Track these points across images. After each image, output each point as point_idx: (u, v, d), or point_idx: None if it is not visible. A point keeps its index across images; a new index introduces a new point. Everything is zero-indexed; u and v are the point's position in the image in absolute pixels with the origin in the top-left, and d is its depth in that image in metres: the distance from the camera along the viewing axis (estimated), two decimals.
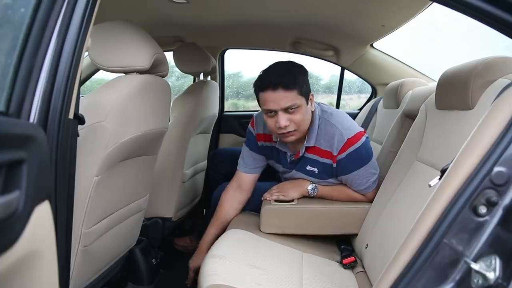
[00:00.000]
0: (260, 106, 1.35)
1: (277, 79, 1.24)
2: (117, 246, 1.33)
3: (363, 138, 1.35)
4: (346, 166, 1.35)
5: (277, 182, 1.59)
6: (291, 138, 1.32)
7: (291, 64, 1.33)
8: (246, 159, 1.54)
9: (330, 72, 2.65)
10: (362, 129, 1.39)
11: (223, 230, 1.45)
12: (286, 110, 1.26)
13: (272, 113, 1.28)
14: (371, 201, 1.38)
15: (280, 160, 1.49)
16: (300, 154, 1.40)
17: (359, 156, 1.33)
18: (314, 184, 1.44)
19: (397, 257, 0.71)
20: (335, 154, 1.34)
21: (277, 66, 1.31)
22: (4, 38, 0.61)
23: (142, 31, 1.18)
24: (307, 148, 1.38)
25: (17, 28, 0.60)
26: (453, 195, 0.67)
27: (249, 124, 1.56)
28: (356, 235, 1.37)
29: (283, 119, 1.26)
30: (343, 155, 1.33)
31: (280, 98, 1.24)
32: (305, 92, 1.29)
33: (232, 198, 1.54)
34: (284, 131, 1.28)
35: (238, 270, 1.08)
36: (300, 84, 1.26)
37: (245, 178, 1.54)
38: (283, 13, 1.85)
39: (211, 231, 1.52)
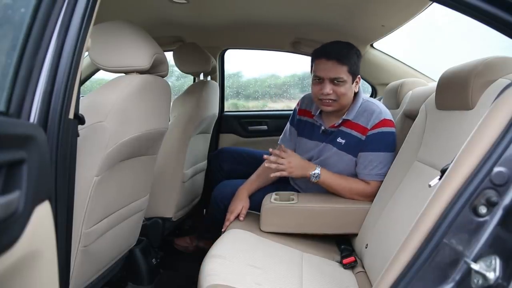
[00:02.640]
0: (311, 73, 1.49)
1: (333, 51, 1.41)
2: (117, 246, 1.33)
3: (394, 132, 1.43)
4: (372, 143, 1.42)
5: (279, 185, 1.61)
6: (329, 108, 1.45)
7: (349, 44, 1.46)
8: (287, 134, 1.68)
9: None
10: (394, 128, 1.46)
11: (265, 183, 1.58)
12: (332, 80, 1.40)
13: (320, 80, 1.42)
14: (370, 196, 1.39)
15: (312, 134, 1.57)
16: (336, 124, 1.48)
17: (386, 140, 1.41)
18: (318, 171, 1.42)
19: (397, 257, 0.71)
20: (368, 128, 1.43)
21: (338, 42, 1.46)
22: (4, 38, 0.61)
23: (142, 31, 1.18)
24: (344, 121, 1.47)
25: (17, 28, 0.60)
26: (453, 195, 0.67)
27: (296, 104, 1.70)
28: (356, 235, 1.37)
29: (327, 87, 1.40)
30: (375, 131, 1.42)
31: (331, 68, 1.40)
32: (354, 72, 1.43)
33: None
34: (325, 98, 1.42)
35: (238, 270, 1.08)
36: (351, 62, 1.41)
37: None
38: (283, 13, 1.85)
39: (253, 179, 1.62)
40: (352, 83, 1.44)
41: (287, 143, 1.64)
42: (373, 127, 1.42)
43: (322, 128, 1.53)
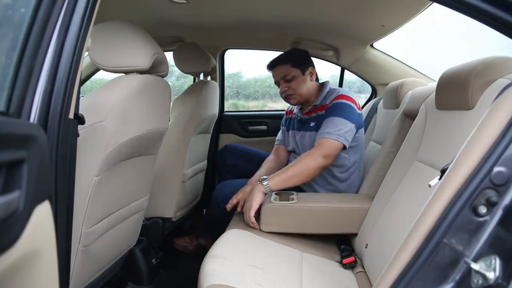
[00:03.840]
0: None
1: (272, 61, 1.73)
2: (117, 246, 1.33)
3: (353, 106, 1.57)
4: (328, 112, 1.58)
5: None
6: (293, 101, 1.72)
7: (289, 50, 1.79)
8: (280, 134, 1.93)
9: (330, 72, 2.65)
10: (358, 104, 1.62)
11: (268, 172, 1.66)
12: (284, 80, 1.69)
13: (278, 84, 1.74)
14: (325, 156, 1.44)
15: (294, 126, 1.81)
16: (308, 111, 1.72)
17: (343, 108, 1.55)
18: (266, 182, 1.43)
19: (397, 257, 0.71)
20: (327, 103, 1.62)
21: (280, 54, 1.76)
22: (4, 38, 0.61)
23: (142, 31, 1.18)
24: (314, 107, 1.69)
25: (17, 28, 0.60)
26: (453, 195, 0.67)
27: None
28: (356, 235, 1.37)
29: (282, 86, 1.70)
30: (332, 104, 1.59)
31: (276, 72, 1.72)
32: (299, 64, 1.68)
33: (272, 159, 1.85)
34: (285, 94, 1.70)
35: (238, 270, 1.08)
36: (292, 58, 1.69)
37: (279, 149, 1.89)
38: (283, 13, 1.85)
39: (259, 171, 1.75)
40: (303, 75, 1.68)
41: (281, 141, 1.90)
42: (331, 101, 1.60)
43: (298, 117, 1.77)
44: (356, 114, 1.57)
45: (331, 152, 1.47)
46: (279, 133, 1.94)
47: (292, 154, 1.83)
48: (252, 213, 1.39)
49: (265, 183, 1.43)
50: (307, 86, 1.69)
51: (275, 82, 1.76)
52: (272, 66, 1.73)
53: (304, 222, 1.40)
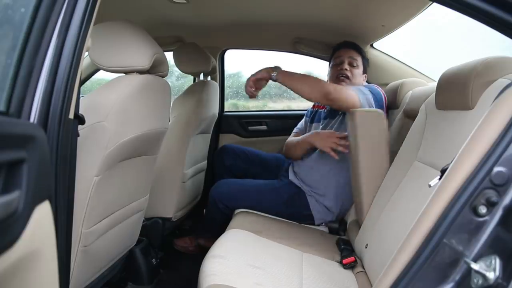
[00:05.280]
0: (330, 63, 1.83)
1: (352, 43, 1.79)
2: (117, 246, 1.33)
3: (380, 92, 1.58)
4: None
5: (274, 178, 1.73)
6: (343, 83, 1.69)
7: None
8: (301, 123, 1.99)
9: None
10: (384, 96, 1.61)
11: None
12: (350, 62, 1.73)
13: (339, 62, 1.74)
14: (329, 93, 1.43)
15: (320, 117, 1.83)
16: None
17: (370, 87, 1.57)
18: (274, 74, 1.49)
19: (397, 257, 0.71)
20: None
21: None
22: (4, 38, 0.61)
23: (142, 31, 1.18)
24: None
25: (18, 28, 0.60)
26: (453, 195, 0.67)
27: None
28: (356, 235, 1.37)
29: (345, 64, 1.72)
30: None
31: (350, 52, 1.76)
32: (364, 66, 1.78)
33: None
34: (342, 73, 1.70)
35: (238, 270, 1.08)
36: (363, 55, 1.79)
37: (297, 136, 1.90)
38: (283, 13, 1.85)
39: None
40: (362, 73, 1.75)
41: (300, 130, 1.95)
42: None
43: (327, 110, 1.79)
44: (381, 97, 1.57)
45: (343, 96, 1.46)
46: (300, 123, 1.99)
47: None
48: (252, 79, 1.53)
49: (274, 73, 1.49)
50: (360, 82, 1.74)
51: (336, 59, 1.76)
52: (348, 45, 1.77)
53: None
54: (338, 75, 1.71)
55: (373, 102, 1.51)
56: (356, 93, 1.48)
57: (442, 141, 1.02)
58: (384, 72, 2.25)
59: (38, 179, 0.54)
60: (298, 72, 1.54)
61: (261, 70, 1.51)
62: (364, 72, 1.78)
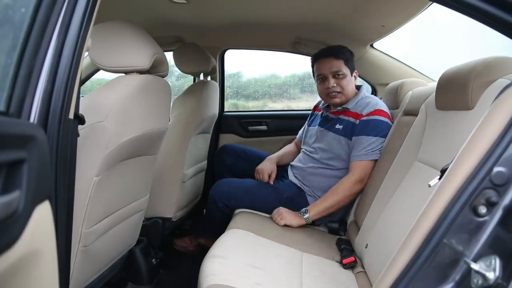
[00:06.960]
0: (314, 77, 1.73)
1: (329, 50, 1.65)
2: (117, 246, 1.33)
3: (388, 122, 1.56)
4: (364, 127, 1.55)
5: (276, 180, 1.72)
6: (337, 100, 1.64)
7: (341, 45, 1.69)
8: (301, 130, 2.00)
9: None
10: (391, 122, 1.58)
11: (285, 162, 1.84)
12: (334, 75, 1.61)
13: (323, 78, 1.64)
14: (360, 181, 1.49)
15: (316, 122, 1.81)
16: (336, 110, 1.68)
17: (377, 126, 1.54)
18: (307, 215, 1.52)
19: (397, 257, 0.71)
20: (362, 114, 1.57)
21: (331, 46, 1.69)
22: (5, 38, 0.61)
23: (142, 31, 1.18)
24: (344, 109, 1.65)
25: (18, 28, 0.60)
26: (453, 195, 0.67)
27: None
28: (356, 235, 1.37)
29: (331, 82, 1.62)
30: (367, 118, 1.55)
31: (330, 63, 1.62)
32: (350, 66, 1.64)
33: (292, 146, 2.01)
34: (331, 91, 1.62)
35: (238, 270, 1.08)
36: (346, 56, 1.63)
37: (298, 142, 1.99)
38: (284, 13, 1.85)
39: (280, 154, 1.90)
40: (351, 76, 1.65)
41: (300, 136, 1.98)
42: (366, 115, 1.56)
43: (324, 114, 1.73)
44: (388, 128, 1.55)
45: (365, 173, 1.51)
46: (302, 129, 2.00)
47: (304, 148, 1.81)
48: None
49: (305, 216, 1.52)
50: (352, 88, 1.66)
51: (318, 75, 1.66)
52: (325, 55, 1.63)
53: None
54: (328, 93, 1.64)
55: (383, 139, 1.54)
56: (369, 158, 1.51)
57: (442, 141, 1.02)
58: (384, 72, 2.26)
59: (38, 179, 0.54)
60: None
61: (294, 220, 1.52)
62: (352, 70, 1.66)
